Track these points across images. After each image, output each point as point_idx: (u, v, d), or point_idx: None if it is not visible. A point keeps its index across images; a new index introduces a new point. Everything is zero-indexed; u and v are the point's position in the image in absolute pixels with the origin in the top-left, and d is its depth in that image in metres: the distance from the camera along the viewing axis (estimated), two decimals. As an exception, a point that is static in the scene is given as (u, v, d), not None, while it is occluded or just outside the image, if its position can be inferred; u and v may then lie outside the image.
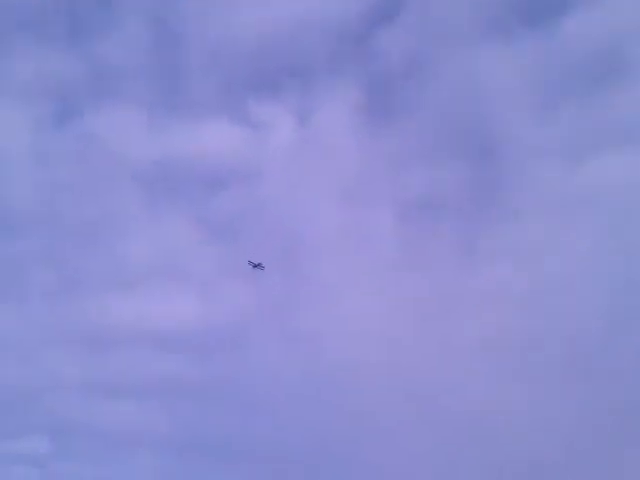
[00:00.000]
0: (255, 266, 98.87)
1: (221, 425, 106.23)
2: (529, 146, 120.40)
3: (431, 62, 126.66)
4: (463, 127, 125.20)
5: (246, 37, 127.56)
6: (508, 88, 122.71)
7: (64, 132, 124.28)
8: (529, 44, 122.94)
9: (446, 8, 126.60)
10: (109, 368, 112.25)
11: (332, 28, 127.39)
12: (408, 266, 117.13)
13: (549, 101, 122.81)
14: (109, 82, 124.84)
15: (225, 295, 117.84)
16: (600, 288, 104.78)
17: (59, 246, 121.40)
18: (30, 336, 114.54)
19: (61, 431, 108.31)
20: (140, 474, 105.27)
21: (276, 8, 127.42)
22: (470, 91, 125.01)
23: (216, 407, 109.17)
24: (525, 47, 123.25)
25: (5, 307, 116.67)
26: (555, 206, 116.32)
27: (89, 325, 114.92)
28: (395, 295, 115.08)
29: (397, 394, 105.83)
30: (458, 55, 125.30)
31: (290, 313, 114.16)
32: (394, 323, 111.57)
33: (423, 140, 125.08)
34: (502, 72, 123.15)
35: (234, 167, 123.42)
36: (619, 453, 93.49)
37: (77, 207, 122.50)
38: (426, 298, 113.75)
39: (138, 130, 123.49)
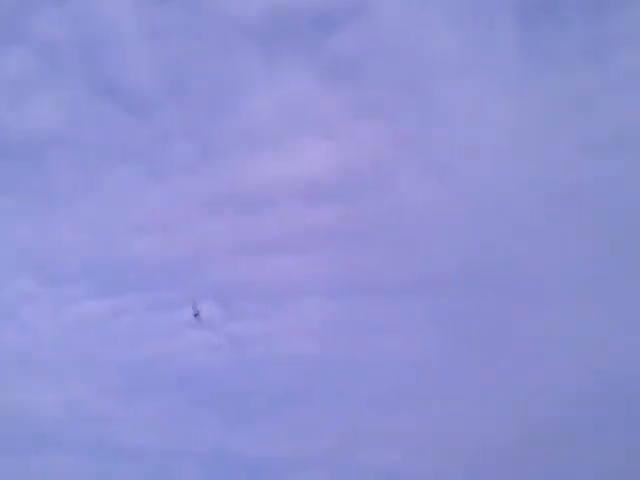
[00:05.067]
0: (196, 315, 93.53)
1: (376, 266, 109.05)
2: None
3: None
4: None
5: None
6: None
7: (167, 3, 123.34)
8: None
9: None
10: (261, 227, 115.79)
11: None
12: (536, 73, 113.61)
13: None
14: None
15: (358, 137, 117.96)
16: None
17: (190, 118, 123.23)
18: (180, 209, 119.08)
19: (227, 294, 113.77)
20: (311, 320, 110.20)
21: None
22: None
23: (369, 248, 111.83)
24: None
25: (153, 186, 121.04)
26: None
27: (234, 189, 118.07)
28: (527, 105, 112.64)
29: (546, 206, 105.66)
30: None
31: (425, 146, 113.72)
32: (529, 137, 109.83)
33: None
34: None
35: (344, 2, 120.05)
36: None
37: (198, 76, 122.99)
38: (558, 103, 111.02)
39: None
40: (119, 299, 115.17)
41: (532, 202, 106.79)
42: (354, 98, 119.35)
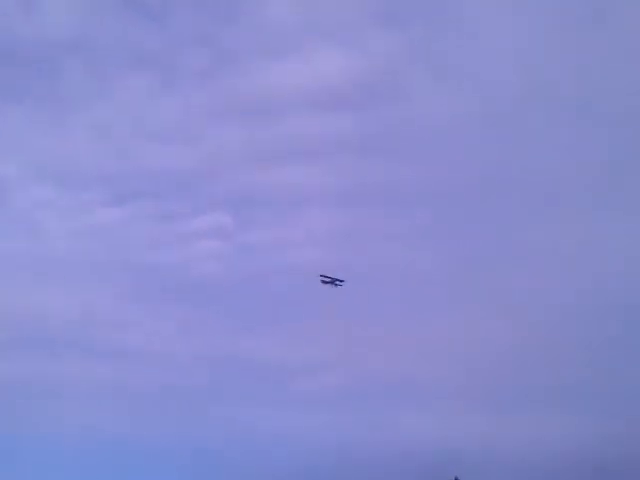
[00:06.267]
0: (332, 282, 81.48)
1: (386, 176, 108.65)
2: None
3: None
4: None
5: None
6: None
7: None
8: None
9: None
10: (273, 137, 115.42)
11: None
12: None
13: None
14: None
15: (373, 45, 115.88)
16: None
17: (204, 24, 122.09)
18: (192, 118, 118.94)
19: (238, 204, 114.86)
20: (319, 230, 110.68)
21: None
22: None
23: (381, 160, 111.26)
24: None
25: (165, 95, 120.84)
26: None
27: (247, 98, 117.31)
28: (546, 9, 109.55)
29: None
30: None
31: (441, 54, 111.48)
32: (548, 42, 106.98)
33: None
34: None
35: None
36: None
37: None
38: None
39: None
40: (133, 207, 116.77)
41: (548, 109, 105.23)
42: (370, 4, 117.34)
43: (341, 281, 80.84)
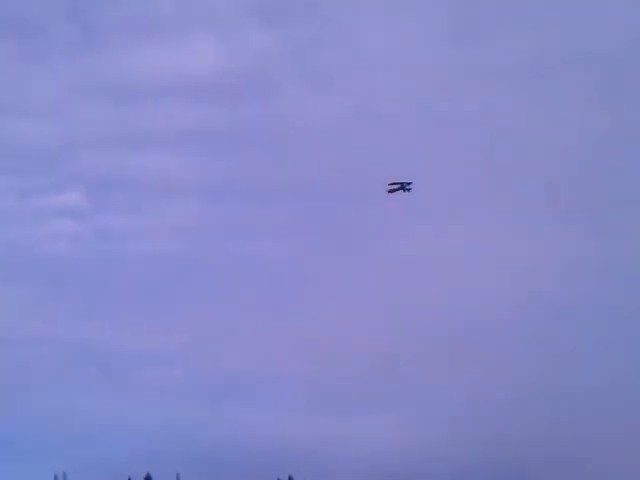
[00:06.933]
0: (401, 187, 73.28)
1: (253, 170, 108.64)
2: None
3: None
4: None
5: None
6: None
7: None
8: None
9: None
10: (138, 120, 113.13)
11: None
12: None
13: None
14: None
15: (246, 39, 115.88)
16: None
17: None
18: (56, 94, 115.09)
19: (97, 185, 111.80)
20: (176, 221, 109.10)
21: None
22: None
23: (247, 153, 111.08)
24: None
25: (28, 67, 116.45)
26: None
27: (115, 78, 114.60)
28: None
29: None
30: None
31: (314, 58, 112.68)
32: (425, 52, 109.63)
33: None
34: None
35: None
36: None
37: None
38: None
39: None
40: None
41: (420, 114, 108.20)
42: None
43: (409, 184, 73.16)
